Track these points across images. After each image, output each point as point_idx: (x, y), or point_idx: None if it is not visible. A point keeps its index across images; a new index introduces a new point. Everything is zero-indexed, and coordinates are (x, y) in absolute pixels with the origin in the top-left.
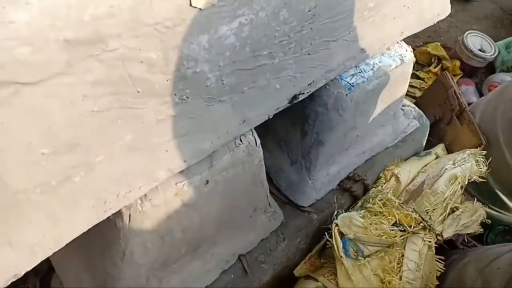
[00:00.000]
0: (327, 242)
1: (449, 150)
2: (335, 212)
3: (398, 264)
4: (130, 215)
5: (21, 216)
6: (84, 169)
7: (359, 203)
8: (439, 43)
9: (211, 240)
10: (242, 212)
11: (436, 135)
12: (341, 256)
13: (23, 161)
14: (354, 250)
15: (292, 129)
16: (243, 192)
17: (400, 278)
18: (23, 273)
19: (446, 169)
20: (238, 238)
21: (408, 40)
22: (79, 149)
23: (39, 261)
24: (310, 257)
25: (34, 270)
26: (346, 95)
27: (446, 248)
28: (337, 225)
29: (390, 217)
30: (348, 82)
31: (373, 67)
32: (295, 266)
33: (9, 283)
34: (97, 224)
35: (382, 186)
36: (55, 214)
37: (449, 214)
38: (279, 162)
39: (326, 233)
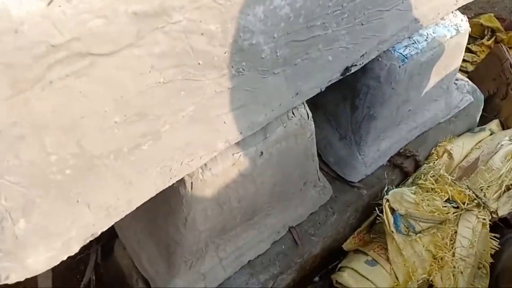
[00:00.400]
0: (377, 218)
1: (505, 126)
2: (386, 188)
3: (451, 240)
4: (192, 183)
5: (98, 180)
6: (151, 138)
7: (410, 180)
8: (492, 14)
9: (264, 211)
10: (293, 185)
11: (491, 111)
12: (392, 231)
13: (99, 128)
14: (405, 226)
15: (341, 104)
16: (295, 165)
17: (453, 255)
18: (99, 233)
19: (502, 145)
20: (289, 210)
21: (459, 12)
22: (147, 119)
23: (113, 222)
24: (359, 232)
25: (96, 237)
26: (399, 67)
27: (502, 227)
28: (388, 200)
29: (443, 194)
30: (401, 54)
31: (427, 37)
32: (344, 240)
33: (87, 241)
34: (161, 192)
35: (434, 162)
36: (127, 178)
37: (504, 191)
38: (328, 137)
39: (376, 209)
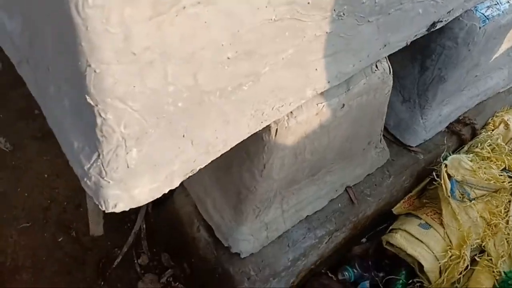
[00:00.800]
0: (432, 183)
1: None
2: (444, 154)
3: (505, 209)
4: (277, 129)
5: (202, 116)
6: (252, 79)
7: (465, 147)
8: None
9: (327, 168)
10: (359, 143)
11: None
12: (449, 196)
13: (213, 63)
14: (460, 192)
15: (409, 65)
16: (367, 121)
17: (507, 222)
18: (197, 169)
19: None
20: (349, 170)
21: None
22: (253, 58)
23: (210, 160)
24: (409, 197)
25: None
26: (480, 28)
27: None
28: (446, 166)
29: (499, 163)
30: (483, 14)
31: None
32: (396, 203)
33: (187, 177)
34: None
35: (491, 131)
36: (226, 117)
37: None
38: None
39: (433, 173)
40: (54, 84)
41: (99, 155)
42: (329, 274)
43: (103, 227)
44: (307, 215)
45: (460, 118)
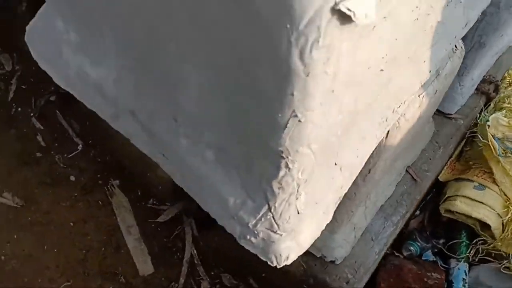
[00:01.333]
0: (472, 144)
1: None
2: (480, 115)
3: None
4: (388, 131)
5: (348, 138)
6: (384, 86)
7: (491, 105)
8: None
9: (399, 153)
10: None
11: None
12: (499, 155)
13: (371, 80)
14: (502, 148)
15: None
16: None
17: None
18: (343, 195)
19: None
20: (410, 150)
21: None
22: (393, 64)
23: (351, 183)
24: (451, 162)
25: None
26: None
27: None
28: (488, 126)
29: None
30: None
31: None
32: None
33: (336, 206)
34: None
35: (509, 85)
36: (363, 133)
37: None
38: None
39: (479, 136)
40: (187, 137)
41: (269, 208)
42: (396, 253)
43: (151, 263)
44: (381, 205)
45: (485, 77)
